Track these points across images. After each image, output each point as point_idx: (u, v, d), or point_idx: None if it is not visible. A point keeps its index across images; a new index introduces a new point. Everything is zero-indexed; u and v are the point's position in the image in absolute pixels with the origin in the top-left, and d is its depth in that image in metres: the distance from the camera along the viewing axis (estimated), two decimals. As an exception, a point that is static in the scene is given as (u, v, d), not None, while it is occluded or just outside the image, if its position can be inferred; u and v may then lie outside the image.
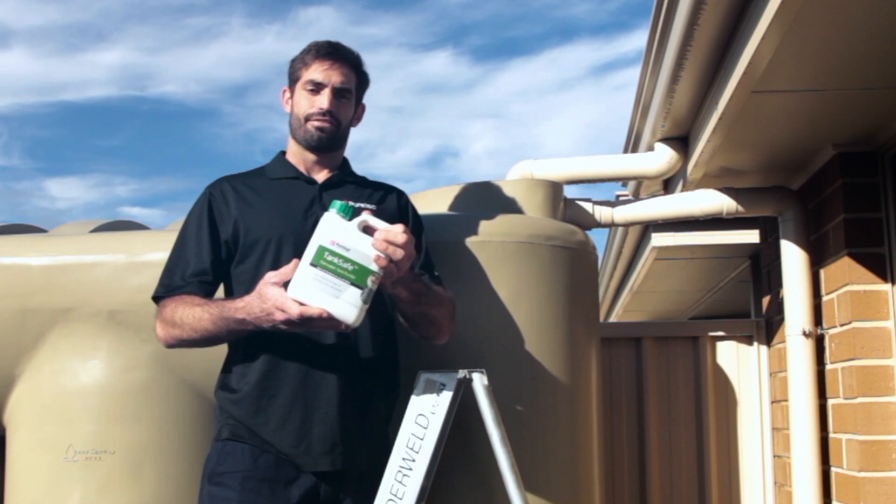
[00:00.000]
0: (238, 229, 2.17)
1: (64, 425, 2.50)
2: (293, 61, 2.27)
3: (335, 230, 1.92)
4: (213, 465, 2.11)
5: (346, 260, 1.90)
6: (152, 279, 2.54)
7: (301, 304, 1.89)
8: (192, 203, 2.25)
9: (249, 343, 2.11)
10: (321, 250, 1.90)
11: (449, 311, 2.18)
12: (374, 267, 1.91)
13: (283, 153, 2.32)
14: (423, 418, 2.07)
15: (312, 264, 1.90)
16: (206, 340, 2.10)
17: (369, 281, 1.91)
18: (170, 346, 2.15)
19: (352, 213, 1.94)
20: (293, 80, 2.26)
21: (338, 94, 2.21)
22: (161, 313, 2.14)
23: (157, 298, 2.18)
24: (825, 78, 2.54)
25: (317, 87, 2.20)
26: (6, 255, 2.64)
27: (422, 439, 2.05)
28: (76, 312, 2.56)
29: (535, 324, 2.52)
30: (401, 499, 2.02)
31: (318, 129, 2.20)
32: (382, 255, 1.90)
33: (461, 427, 2.23)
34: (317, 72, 2.20)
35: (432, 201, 2.79)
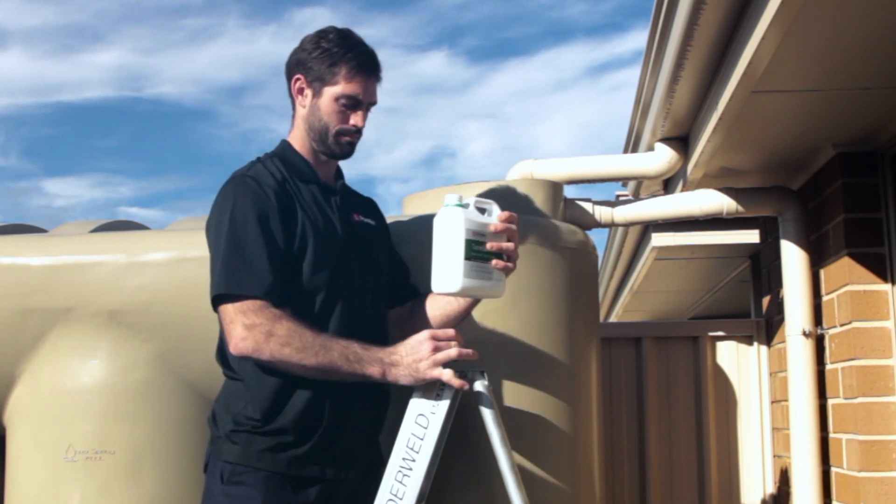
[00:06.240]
0: (306, 237, 2.07)
1: (64, 425, 2.50)
2: (322, 55, 2.11)
3: (468, 222, 2.01)
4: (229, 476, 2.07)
5: (485, 245, 2.03)
6: (152, 279, 2.56)
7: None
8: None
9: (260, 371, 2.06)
10: (469, 244, 2.00)
11: None
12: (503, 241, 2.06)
13: (290, 145, 2.21)
14: (423, 418, 2.07)
15: (467, 259, 2.00)
16: (316, 371, 1.97)
17: (504, 255, 2.07)
18: (270, 360, 1.96)
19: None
20: (320, 79, 2.12)
21: (367, 108, 2.18)
22: (263, 317, 1.95)
23: (241, 297, 1.97)
24: (825, 78, 2.54)
25: (355, 105, 2.13)
26: (6, 255, 2.63)
27: (422, 439, 2.05)
28: (76, 312, 2.56)
29: (535, 324, 2.52)
30: (401, 499, 2.02)
31: (349, 143, 2.17)
32: (506, 244, 2.05)
33: (461, 427, 2.23)
34: (358, 88, 2.12)
35: (433, 201, 2.78)
